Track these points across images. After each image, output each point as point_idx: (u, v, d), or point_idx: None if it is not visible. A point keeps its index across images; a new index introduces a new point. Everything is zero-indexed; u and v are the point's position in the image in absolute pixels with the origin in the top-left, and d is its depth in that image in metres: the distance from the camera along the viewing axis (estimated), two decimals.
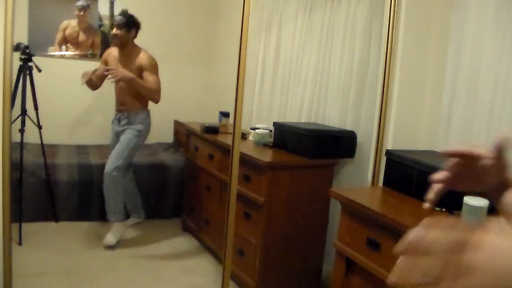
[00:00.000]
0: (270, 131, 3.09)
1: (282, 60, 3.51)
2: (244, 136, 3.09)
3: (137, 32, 3.34)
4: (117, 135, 3.44)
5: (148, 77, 3.25)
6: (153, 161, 4.04)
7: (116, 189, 3.32)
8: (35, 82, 3.37)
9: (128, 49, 3.31)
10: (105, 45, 4.27)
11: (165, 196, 4.00)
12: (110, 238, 3.33)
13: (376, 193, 2.21)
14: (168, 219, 3.98)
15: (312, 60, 3.15)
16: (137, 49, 3.34)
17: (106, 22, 4.41)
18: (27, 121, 3.27)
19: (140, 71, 3.26)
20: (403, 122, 2.43)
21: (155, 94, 3.27)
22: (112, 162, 3.28)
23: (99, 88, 3.49)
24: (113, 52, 3.42)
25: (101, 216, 3.74)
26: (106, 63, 3.43)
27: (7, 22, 1.94)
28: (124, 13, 3.30)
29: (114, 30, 3.24)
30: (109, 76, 3.12)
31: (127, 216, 3.64)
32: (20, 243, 3.18)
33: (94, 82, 3.37)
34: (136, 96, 3.34)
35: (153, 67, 3.28)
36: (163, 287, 2.88)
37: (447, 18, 2.29)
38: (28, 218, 3.42)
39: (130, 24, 3.27)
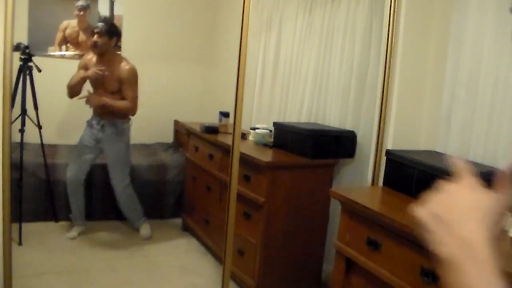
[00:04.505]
0: (270, 131, 3.09)
1: (282, 60, 3.51)
2: (244, 136, 3.09)
3: (117, 40, 3.27)
4: (98, 141, 3.36)
5: (127, 91, 3.22)
6: (153, 161, 4.04)
7: (133, 200, 3.51)
8: (35, 82, 3.37)
9: (108, 58, 3.23)
10: None
11: (165, 196, 4.00)
12: (146, 232, 3.56)
13: (376, 193, 2.21)
14: (168, 219, 3.98)
15: (312, 60, 3.15)
16: (118, 58, 3.27)
17: None
18: (27, 121, 3.27)
19: (119, 82, 3.22)
20: (403, 122, 2.43)
21: (130, 111, 3.30)
22: (121, 181, 3.41)
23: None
24: (92, 58, 3.30)
25: (100, 216, 3.74)
26: (86, 69, 3.29)
27: (7, 22, 1.94)
28: (106, 21, 3.23)
29: (95, 37, 3.14)
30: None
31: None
32: (20, 243, 3.18)
33: (74, 92, 3.27)
34: None
35: (133, 80, 3.24)
36: (163, 287, 2.88)
37: (447, 18, 2.29)
38: (28, 218, 3.42)
39: (112, 32, 3.19)
